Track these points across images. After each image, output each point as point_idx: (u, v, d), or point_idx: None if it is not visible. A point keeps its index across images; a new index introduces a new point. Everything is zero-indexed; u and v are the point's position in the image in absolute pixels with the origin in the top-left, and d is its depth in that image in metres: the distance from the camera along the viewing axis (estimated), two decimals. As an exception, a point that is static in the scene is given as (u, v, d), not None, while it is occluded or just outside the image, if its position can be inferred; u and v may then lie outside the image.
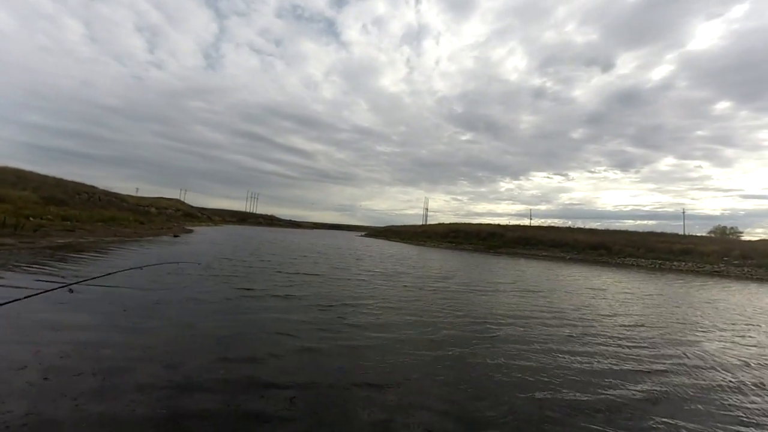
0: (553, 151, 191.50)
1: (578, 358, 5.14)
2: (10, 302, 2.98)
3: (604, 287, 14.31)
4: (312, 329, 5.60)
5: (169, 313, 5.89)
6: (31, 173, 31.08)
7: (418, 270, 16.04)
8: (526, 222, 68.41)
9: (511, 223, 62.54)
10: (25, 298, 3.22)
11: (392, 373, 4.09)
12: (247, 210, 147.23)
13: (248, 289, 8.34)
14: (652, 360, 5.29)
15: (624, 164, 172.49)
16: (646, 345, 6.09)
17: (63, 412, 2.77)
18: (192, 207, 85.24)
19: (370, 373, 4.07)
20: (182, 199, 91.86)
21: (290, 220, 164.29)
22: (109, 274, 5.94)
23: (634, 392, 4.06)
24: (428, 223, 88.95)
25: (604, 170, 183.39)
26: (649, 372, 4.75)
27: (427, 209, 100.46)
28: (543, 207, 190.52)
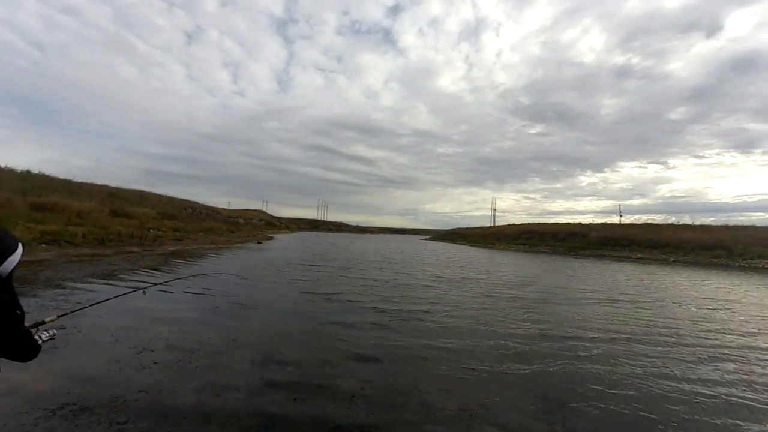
0: (646, 136, 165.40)
1: (708, 389, 4.08)
2: (108, 299, 3.53)
3: (730, 297, 11.61)
4: (370, 336, 5.41)
5: (251, 312, 6.51)
6: (150, 193, 37.91)
7: (489, 275, 14.75)
8: (614, 219, 59.73)
9: (595, 222, 55.29)
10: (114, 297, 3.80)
11: (460, 394, 3.65)
12: (319, 218, 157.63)
13: (319, 294, 8.73)
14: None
15: (744, 145, 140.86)
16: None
17: (182, 382, 3.19)
18: (272, 216, 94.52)
19: (433, 394, 3.62)
20: (264, 210, 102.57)
21: (357, 226, 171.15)
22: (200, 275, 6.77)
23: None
24: (497, 224, 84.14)
25: (717, 154, 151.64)
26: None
27: (495, 210, 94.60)
28: (636, 202, 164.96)
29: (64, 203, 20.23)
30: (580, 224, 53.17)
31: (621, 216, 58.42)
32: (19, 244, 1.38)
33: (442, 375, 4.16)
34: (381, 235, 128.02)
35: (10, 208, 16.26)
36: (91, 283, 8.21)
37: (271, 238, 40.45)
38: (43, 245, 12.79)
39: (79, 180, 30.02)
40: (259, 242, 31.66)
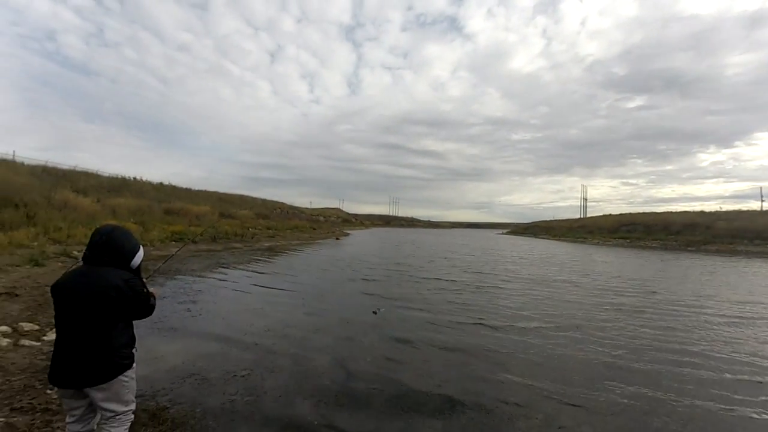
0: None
1: None
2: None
3: None
4: (444, 368, 3.98)
5: (328, 306, 6.96)
6: (248, 197, 43.64)
7: (588, 276, 12.06)
8: (751, 206, 47.25)
9: (722, 209, 44.33)
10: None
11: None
12: (391, 214, 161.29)
13: (388, 299, 8.52)
14: None
15: None
16: None
17: (278, 363, 3.60)
18: (348, 214, 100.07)
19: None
20: (341, 208, 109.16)
21: (429, 221, 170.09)
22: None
23: None
24: (588, 215, 74.44)
25: None
26: None
27: (585, 199, 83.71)
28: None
29: (187, 208, 24.60)
30: (702, 212, 43.40)
31: (763, 201, 45.90)
32: (140, 246, 1.93)
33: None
34: (454, 229, 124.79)
35: (150, 213, 20.43)
36: (207, 274, 9.78)
37: (347, 234, 42.82)
38: (173, 242, 15.72)
39: (197, 188, 36.29)
40: (337, 238, 33.83)
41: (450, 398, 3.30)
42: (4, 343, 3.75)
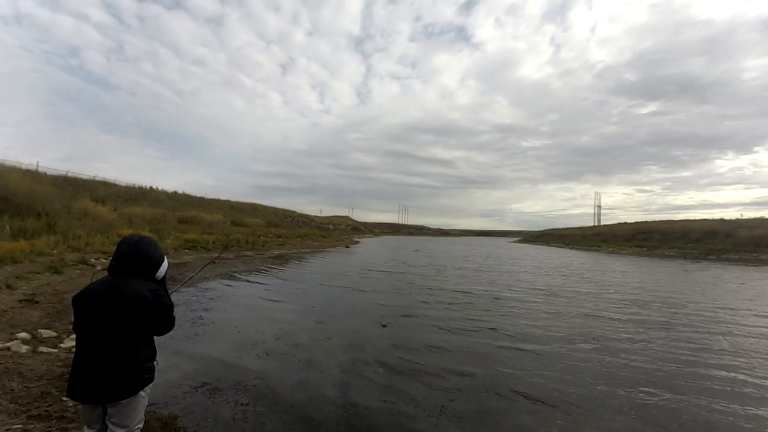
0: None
1: None
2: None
3: None
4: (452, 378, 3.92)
5: (335, 313, 6.92)
6: (259, 205, 44.20)
7: (606, 287, 11.37)
8: (776, 213, 45.59)
9: (743, 216, 42.75)
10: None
11: None
12: (400, 222, 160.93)
13: (399, 310, 8.70)
14: None
15: None
16: None
17: (288, 372, 3.57)
18: (357, 222, 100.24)
19: None
20: (350, 216, 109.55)
21: (438, 229, 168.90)
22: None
23: None
24: (602, 223, 72.83)
25: None
26: None
27: (599, 206, 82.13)
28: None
29: (200, 216, 25.05)
30: (722, 220, 42.07)
31: (788, 207, 43.96)
32: (165, 256, 1.89)
33: None
34: (464, 237, 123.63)
35: (165, 221, 20.87)
36: (219, 282, 9.88)
37: (357, 243, 42.82)
38: (186, 250, 15.98)
39: (209, 197, 36.97)
40: (347, 246, 33.83)
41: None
42: (23, 350, 3.83)
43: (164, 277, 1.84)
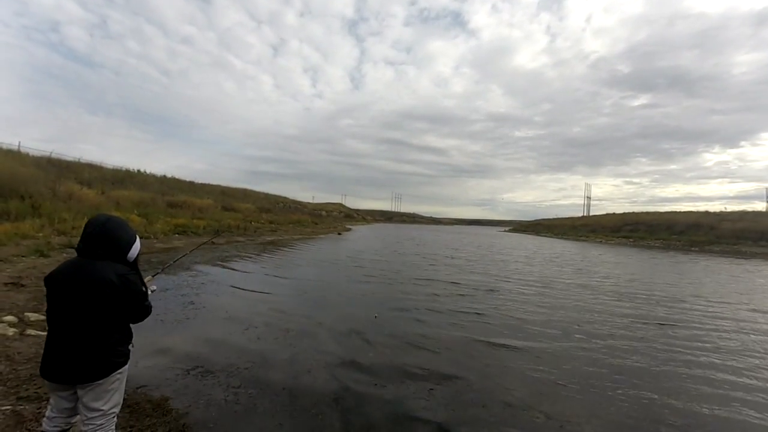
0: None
1: None
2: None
3: None
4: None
5: (328, 305, 7.00)
6: (251, 191, 43.68)
7: (595, 278, 11.30)
8: (757, 207, 46.99)
9: (727, 209, 43.92)
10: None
11: None
12: (392, 209, 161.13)
13: (396, 307, 8.77)
14: None
15: None
16: None
17: (279, 355, 3.64)
18: (350, 209, 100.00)
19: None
20: (343, 203, 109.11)
21: (431, 217, 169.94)
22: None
23: None
24: (591, 214, 74.04)
25: None
26: None
27: (589, 197, 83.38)
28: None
29: (190, 201, 24.65)
30: (706, 213, 43.11)
31: (768, 202, 45.51)
32: (137, 237, 1.79)
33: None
34: (456, 226, 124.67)
35: (154, 205, 20.50)
36: (210, 267, 9.83)
37: (349, 230, 42.82)
38: (176, 235, 15.79)
39: (199, 181, 36.33)
40: (339, 233, 33.85)
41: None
42: (11, 333, 3.79)
43: (136, 259, 1.75)
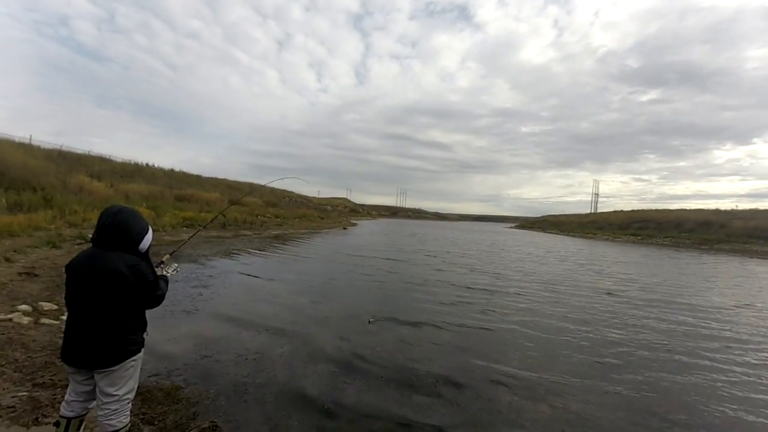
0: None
1: None
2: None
3: None
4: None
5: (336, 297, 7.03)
6: (256, 185, 43.76)
7: (610, 278, 10.73)
8: (771, 205, 45.88)
9: (738, 208, 42.93)
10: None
11: None
12: (398, 205, 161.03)
13: (389, 317, 8.70)
14: None
15: None
16: None
17: (286, 348, 3.68)
18: (356, 204, 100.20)
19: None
20: (348, 198, 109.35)
21: (436, 213, 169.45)
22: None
23: None
24: (598, 210, 73.19)
25: None
26: None
27: (596, 194, 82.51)
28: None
29: (197, 194, 24.88)
30: (716, 211, 42.24)
31: (783, 200, 44.20)
32: (149, 228, 1.82)
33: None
34: (461, 222, 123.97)
35: (162, 199, 20.73)
36: (218, 260, 9.94)
37: (354, 224, 42.93)
38: (184, 228, 15.97)
39: (206, 175, 36.62)
40: (344, 228, 33.93)
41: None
42: (26, 321, 3.88)
43: (148, 249, 1.79)
